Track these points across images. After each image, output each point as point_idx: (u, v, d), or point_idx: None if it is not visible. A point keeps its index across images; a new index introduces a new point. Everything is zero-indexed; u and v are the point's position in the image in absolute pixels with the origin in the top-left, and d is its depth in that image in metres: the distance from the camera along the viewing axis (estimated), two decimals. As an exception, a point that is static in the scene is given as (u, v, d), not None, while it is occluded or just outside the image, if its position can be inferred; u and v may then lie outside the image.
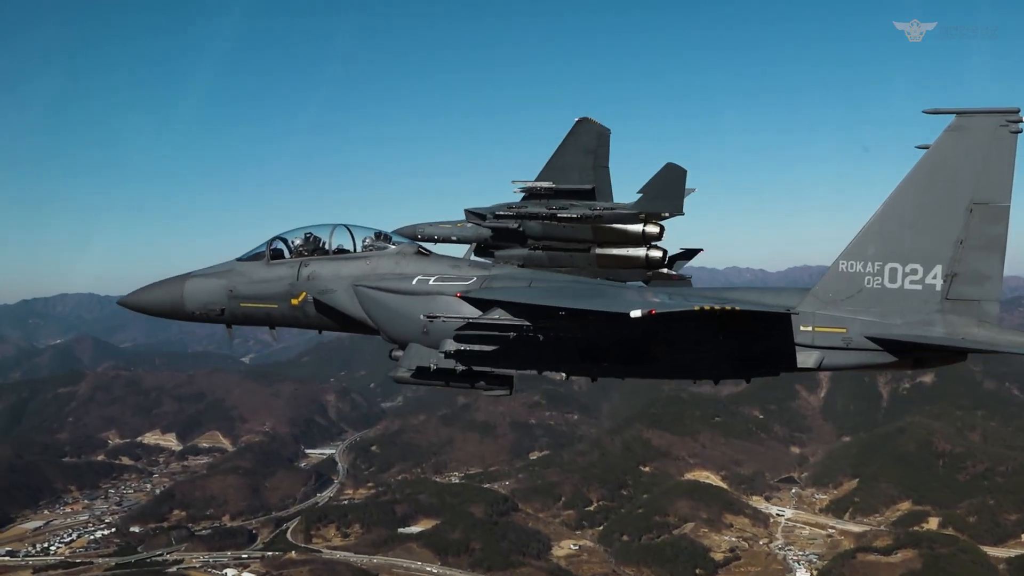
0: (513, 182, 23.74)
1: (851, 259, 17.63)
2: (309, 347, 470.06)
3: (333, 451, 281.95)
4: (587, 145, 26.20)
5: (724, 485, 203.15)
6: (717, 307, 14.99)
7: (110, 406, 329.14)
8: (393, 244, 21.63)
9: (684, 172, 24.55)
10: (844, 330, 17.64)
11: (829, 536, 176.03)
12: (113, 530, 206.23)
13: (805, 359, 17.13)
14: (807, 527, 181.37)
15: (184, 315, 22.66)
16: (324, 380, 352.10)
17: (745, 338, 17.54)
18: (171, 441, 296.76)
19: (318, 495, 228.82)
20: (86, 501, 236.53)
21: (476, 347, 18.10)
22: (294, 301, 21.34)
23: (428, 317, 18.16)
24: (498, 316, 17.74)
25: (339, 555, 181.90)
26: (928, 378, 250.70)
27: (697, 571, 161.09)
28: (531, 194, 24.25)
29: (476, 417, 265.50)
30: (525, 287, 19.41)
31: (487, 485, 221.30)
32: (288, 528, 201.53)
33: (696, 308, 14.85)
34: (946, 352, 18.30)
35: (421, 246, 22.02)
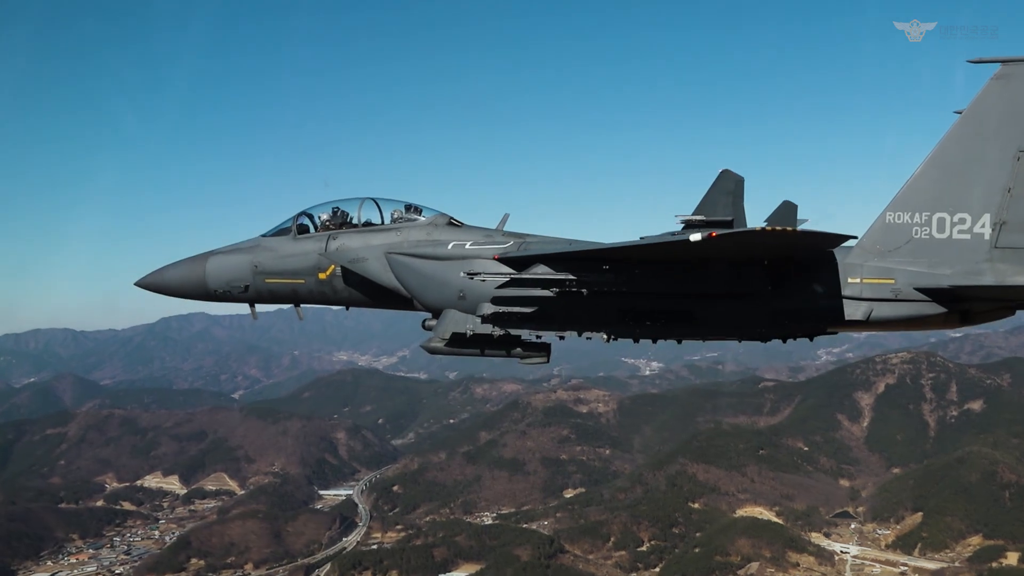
0: (676, 216, 25.15)
1: (898, 210, 17.73)
2: (308, 382, 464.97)
3: (350, 492, 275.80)
4: (727, 188, 31.81)
5: (780, 521, 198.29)
6: (778, 227, 14.91)
7: (104, 447, 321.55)
8: (423, 215, 21.51)
9: (796, 207, 30.84)
10: (892, 281, 17.87)
11: (902, 574, 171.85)
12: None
13: (853, 311, 17.18)
14: (877, 564, 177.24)
15: (206, 294, 22.10)
16: (327, 416, 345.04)
17: (793, 286, 17.77)
18: (174, 484, 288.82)
19: (344, 539, 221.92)
20: (91, 551, 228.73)
21: (515, 309, 18.13)
22: (322, 275, 21.22)
23: (468, 274, 18.10)
24: (541, 271, 17.52)
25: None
26: (976, 404, 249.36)
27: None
28: (688, 225, 25.93)
29: (503, 454, 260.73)
30: (566, 246, 19.26)
31: (525, 525, 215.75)
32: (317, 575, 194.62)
33: (758, 228, 14.84)
34: (994, 304, 18.45)
35: (452, 217, 21.66)
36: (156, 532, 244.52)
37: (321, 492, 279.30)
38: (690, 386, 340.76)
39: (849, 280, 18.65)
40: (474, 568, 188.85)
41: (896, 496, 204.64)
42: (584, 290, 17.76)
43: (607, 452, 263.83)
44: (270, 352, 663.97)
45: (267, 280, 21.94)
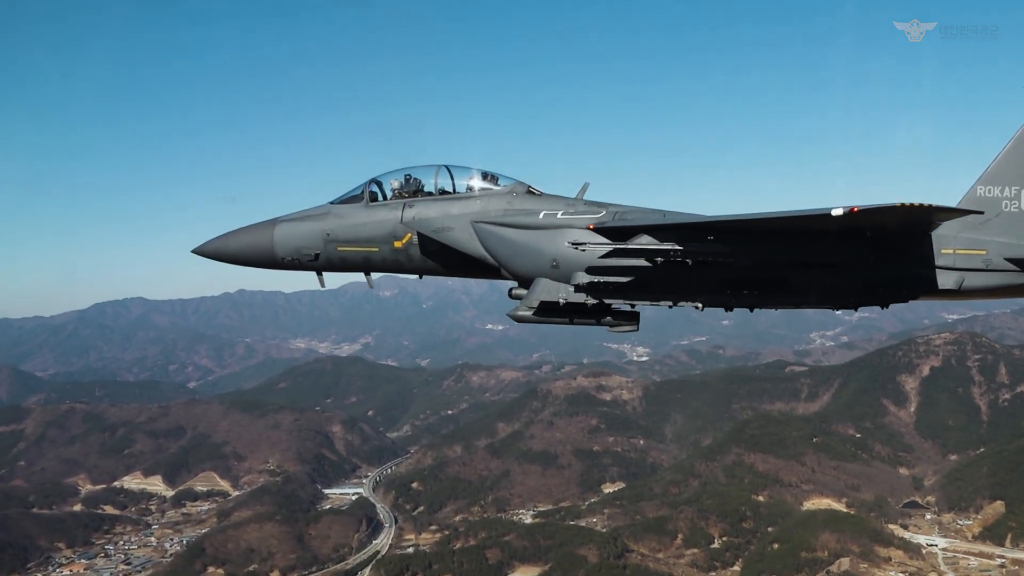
0: None
1: (989, 184, 18.74)
2: (280, 372, 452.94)
3: (358, 490, 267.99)
4: None
5: (852, 512, 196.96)
6: (918, 203, 15.53)
7: (69, 446, 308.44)
8: (500, 183, 21.93)
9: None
10: (984, 252, 18.91)
11: (1002, 566, 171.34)
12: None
13: (945, 281, 17.98)
14: (971, 557, 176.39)
15: (273, 262, 22.25)
16: (306, 409, 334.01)
17: (892, 256, 18.60)
18: (158, 485, 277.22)
19: (373, 542, 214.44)
20: (83, 561, 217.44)
21: (612, 279, 18.64)
22: (397, 244, 21.66)
23: (573, 244, 18.47)
24: (645, 242, 18.01)
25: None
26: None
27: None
28: None
29: (531, 446, 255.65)
30: (661, 217, 19.78)
31: (572, 522, 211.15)
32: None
33: (898, 204, 15.35)
34: None
35: (531, 186, 21.97)
36: (152, 539, 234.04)
37: (326, 491, 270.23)
38: (718, 372, 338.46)
39: (942, 251, 19.57)
40: (534, 571, 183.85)
41: (970, 484, 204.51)
42: (688, 260, 18.22)
43: (641, 442, 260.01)
44: (220, 340, 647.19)
45: (339, 248, 22.11)
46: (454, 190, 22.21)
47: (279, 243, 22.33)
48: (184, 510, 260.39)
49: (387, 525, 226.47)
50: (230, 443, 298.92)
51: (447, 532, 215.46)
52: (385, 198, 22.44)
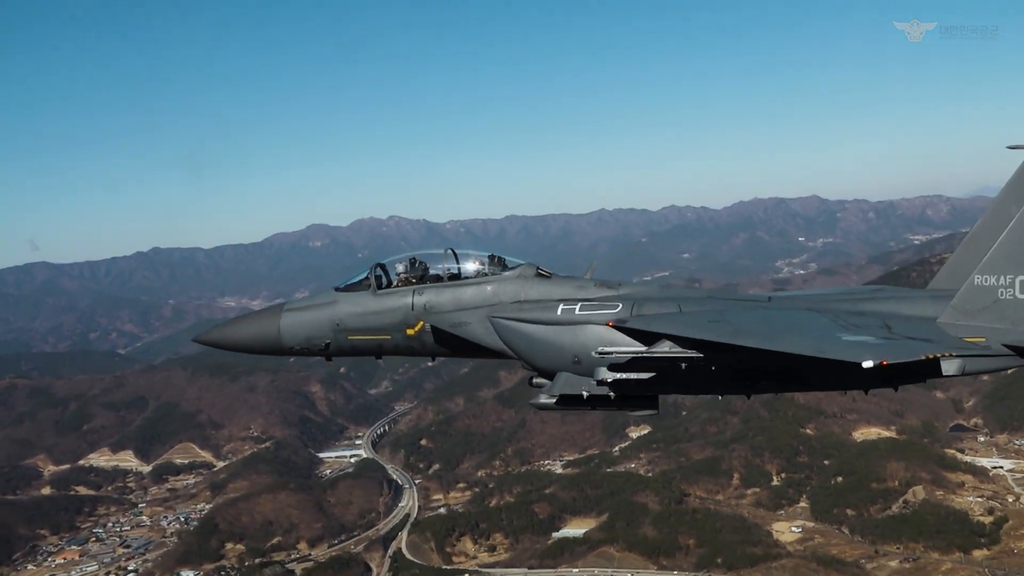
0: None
1: (986, 274, 20.47)
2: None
3: (357, 452, 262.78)
4: None
5: (904, 439, 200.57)
6: (945, 353, 17.10)
7: (18, 425, 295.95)
8: (509, 267, 22.78)
9: None
10: (983, 339, 20.05)
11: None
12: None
13: (949, 367, 19.02)
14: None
15: (280, 350, 22.99)
16: (279, 369, 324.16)
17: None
18: (130, 460, 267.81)
19: (399, 505, 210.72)
20: (75, 547, 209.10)
21: (634, 375, 19.57)
22: (410, 331, 22.29)
23: (600, 353, 19.56)
24: (667, 349, 19.03)
25: (513, 572, 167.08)
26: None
27: (981, 540, 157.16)
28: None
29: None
30: (676, 311, 21.07)
31: (610, 469, 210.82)
32: (401, 548, 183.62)
33: (923, 357, 16.58)
34: None
35: (540, 267, 22.78)
36: (143, 518, 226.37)
37: (321, 455, 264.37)
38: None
39: None
40: (590, 522, 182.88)
41: (1019, 403, 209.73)
42: (713, 366, 19.27)
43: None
44: (141, 303, 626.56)
45: (350, 337, 22.57)
46: (462, 275, 22.62)
47: (287, 332, 22.67)
48: (168, 485, 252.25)
49: (406, 486, 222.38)
50: (203, 411, 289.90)
51: (477, 489, 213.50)
52: (392, 284, 22.76)
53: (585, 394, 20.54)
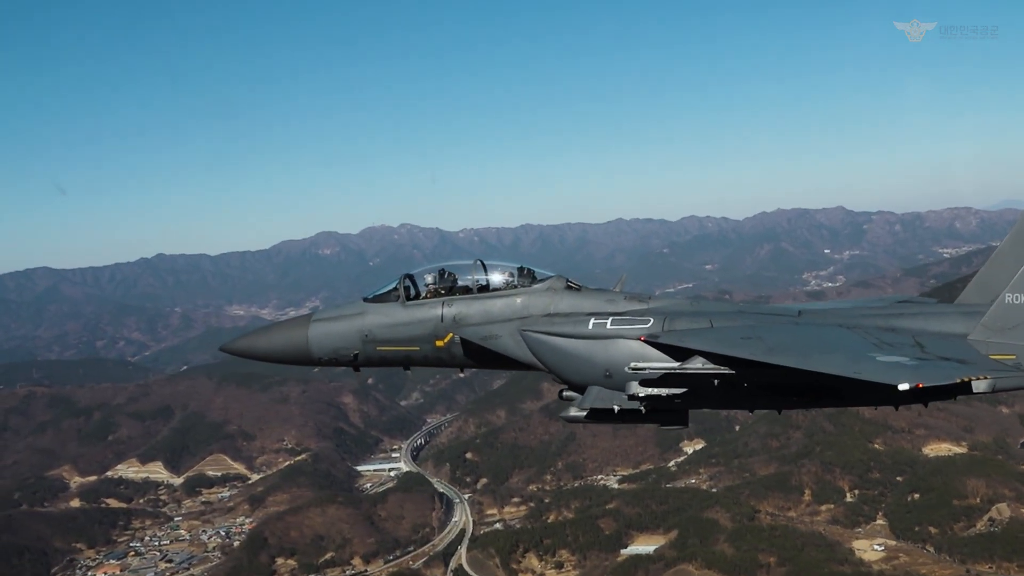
0: None
1: (1016, 292, 21.07)
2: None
3: (395, 465, 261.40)
4: None
5: (980, 455, 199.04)
6: (979, 376, 17.38)
7: (40, 435, 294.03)
8: (539, 279, 23.28)
9: None
10: (1014, 356, 20.77)
11: None
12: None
13: (979, 385, 18.66)
14: None
15: (308, 360, 23.60)
16: (311, 379, 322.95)
17: None
18: (160, 472, 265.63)
19: (452, 520, 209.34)
20: (113, 561, 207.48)
21: (666, 391, 20.02)
22: (439, 343, 22.77)
23: (633, 369, 20.07)
24: (700, 366, 19.45)
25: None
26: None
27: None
28: None
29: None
30: (708, 326, 21.48)
31: (669, 485, 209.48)
32: (462, 564, 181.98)
33: (959, 380, 17.03)
34: None
35: (569, 279, 23.29)
36: (181, 532, 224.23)
37: (359, 468, 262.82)
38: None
39: None
40: (658, 539, 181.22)
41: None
42: (745, 383, 19.72)
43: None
44: (147, 311, 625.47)
45: (379, 348, 23.13)
46: (491, 287, 23.05)
47: (315, 343, 23.09)
48: (202, 498, 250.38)
49: (456, 500, 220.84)
50: (232, 421, 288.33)
51: (532, 504, 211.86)
52: (420, 295, 23.22)
53: (616, 408, 21.02)
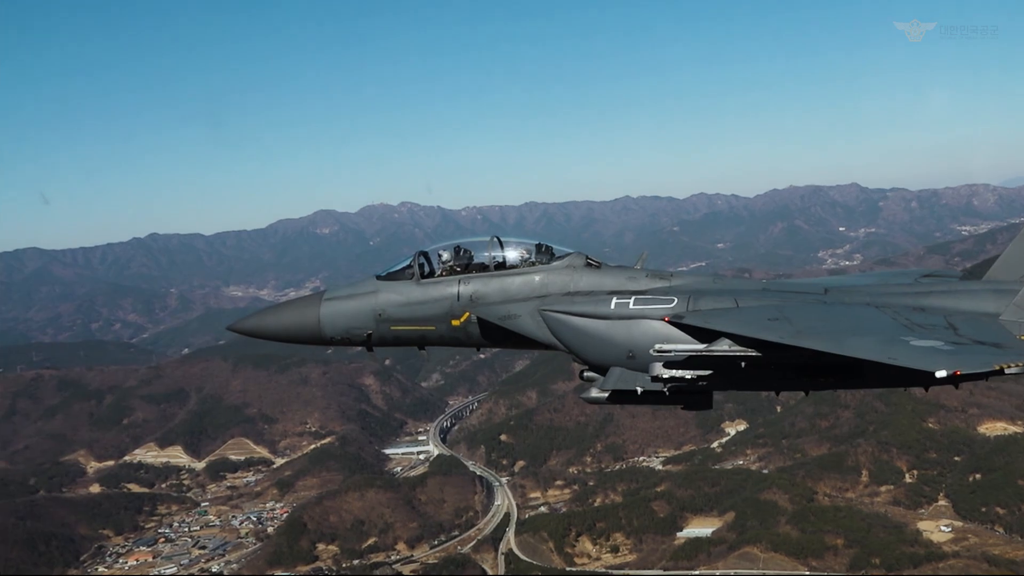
0: None
1: None
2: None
3: (424, 448, 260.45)
4: None
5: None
6: (1013, 364, 17.09)
7: (50, 419, 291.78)
8: (558, 256, 23.15)
9: None
10: None
11: None
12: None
13: (1012, 368, 18.12)
14: None
15: (320, 340, 23.24)
16: (331, 360, 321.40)
17: None
18: (181, 456, 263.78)
19: (495, 504, 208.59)
20: (143, 548, 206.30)
21: (691, 372, 19.85)
22: (455, 322, 22.64)
23: (657, 351, 19.77)
24: (727, 348, 19.34)
25: (648, 573, 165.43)
26: None
27: None
28: None
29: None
30: (733, 306, 21.39)
31: (716, 466, 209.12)
32: (512, 548, 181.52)
33: (997, 368, 16.90)
34: None
35: (589, 256, 23.12)
36: (211, 517, 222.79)
37: (386, 451, 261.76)
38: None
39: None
40: (713, 521, 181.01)
41: None
42: (773, 364, 19.64)
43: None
44: (143, 292, 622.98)
45: (393, 327, 22.85)
46: (509, 264, 22.92)
47: (327, 322, 22.82)
48: (227, 483, 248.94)
49: (496, 484, 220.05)
50: (251, 404, 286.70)
51: (576, 487, 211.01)
52: (435, 273, 22.92)
53: (639, 390, 20.96)
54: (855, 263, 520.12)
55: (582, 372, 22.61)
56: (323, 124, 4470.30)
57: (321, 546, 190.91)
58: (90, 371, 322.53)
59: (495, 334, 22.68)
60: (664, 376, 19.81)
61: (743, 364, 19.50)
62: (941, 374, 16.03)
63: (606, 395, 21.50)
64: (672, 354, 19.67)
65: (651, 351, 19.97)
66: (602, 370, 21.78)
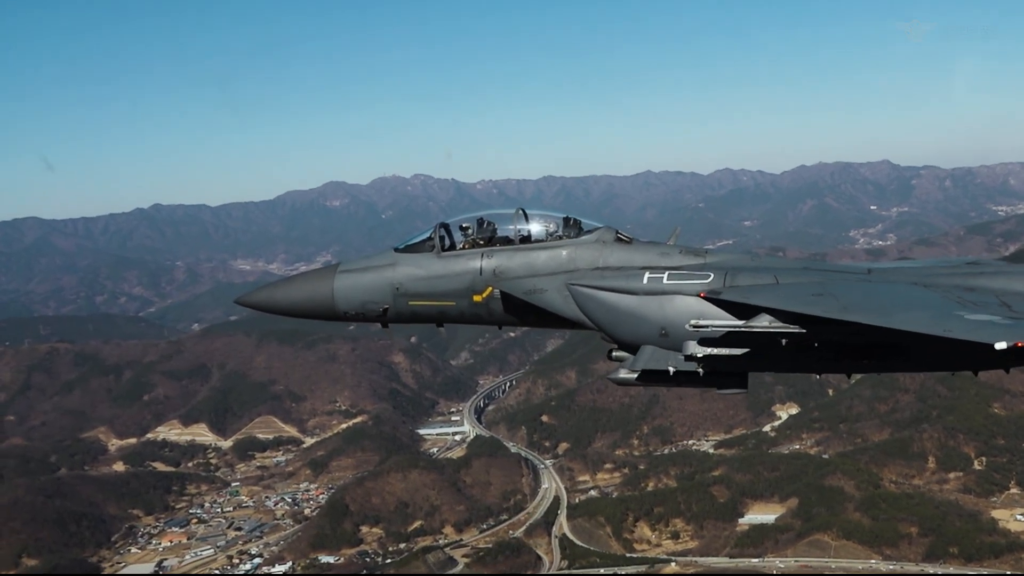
0: None
1: None
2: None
3: (459, 429, 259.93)
4: None
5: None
6: None
7: (68, 395, 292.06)
8: (586, 230, 22.41)
9: None
10: None
11: None
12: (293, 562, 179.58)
13: None
14: None
15: (334, 315, 22.17)
16: (359, 336, 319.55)
17: None
18: (206, 435, 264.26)
19: (543, 486, 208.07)
20: (176, 529, 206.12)
21: (727, 351, 19.33)
22: (477, 297, 21.78)
23: (694, 327, 19.15)
24: (767, 324, 18.64)
25: (713, 561, 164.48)
26: None
27: None
28: None
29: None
30: (773, 282, 20.74)
31: (772, 450, 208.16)
32: (565, 533, 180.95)
33: None
34: None
35: (619, 231, 22.39)
36: (244, 498, 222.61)
37: (420, 431, 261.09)
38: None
39: None
40: (775, 507, 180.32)
41: None
42: (815, 343, 18.87)
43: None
44: (147, 264, 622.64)
45: (411, 303, 22.07)
46: (534, 238, 22.24)
47: (341, 296, 22.09)
48: (256, 463, 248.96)
49: (541, 466, 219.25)
50: (277, 381, 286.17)
51: (626, 470, 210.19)
52: (457, 246, 22.21)
53: (672, 370, 20.31)
54: (889, 243, 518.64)
55: (611, 352, 21.95)
56: (332, 92, 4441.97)
57: (365, 528, 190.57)
58: (107, 345, 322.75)
59: (519, 310, 21.97)
60: (699, 355, 19.48)
61: (783, 342, 18.92)
62: (1001, 346, 15.23)
63: (636, 375, 20.72)
64: (709, 329, 19.22)
65: (687, 326, 19.45)
66: (632, 349, 21.17)
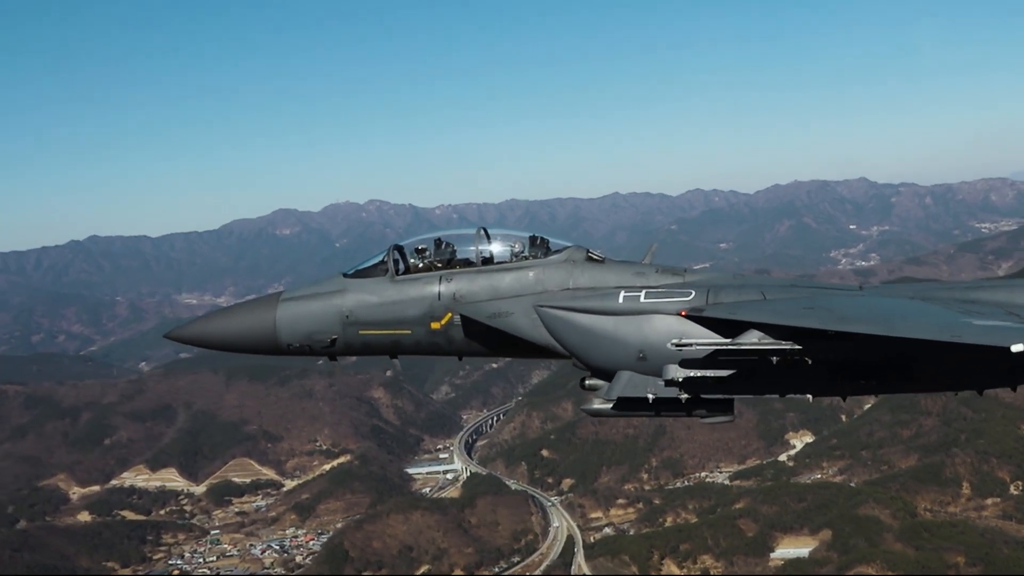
0: None
1: None
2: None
3: (450, 467, 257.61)
4: None
5: None
6: None
7: (20, 440, 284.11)
8: (554, 250, 22.10)
9: None
10: None
11: None
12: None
13: None
14: None
15: (276, 348, 21.85)
16: (323, 373, 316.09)
17: None
18: (176, 479, 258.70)
19: (554, 525, 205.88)
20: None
21: (712, 373, 18.99)
22: (435, 325, 21.55)
23: (677, 346, 18.49)
24: (757, 340, 18.13)
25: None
26: None
27: None
28: None
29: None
30: (760, 299, 20.48)
31: (795, 480, 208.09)
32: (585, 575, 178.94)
33: None
34: None
35: (590, 250, 22.15)
36: (227, 547, 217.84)
37: (409, 470, 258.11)
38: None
39: None
40: (807, 540, 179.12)
41: None
42: (808, 359, 18.61)
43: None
44: (87, 300, 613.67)
45: (362, 332, 21.66)
46: (498, 259, 21.85)
47: (284, 327, 21.58)
48: (235, 508, 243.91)
49: (548, 503, 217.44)
50: (249, 421, 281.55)
51: (641, 506, 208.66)
52: (412, 269, 21.83)
53: (651, 396, 19.84)
54: (873, 263, 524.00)
55: (583, 380, 21.31)
56: (281, 115, 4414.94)
57: (368, 574, 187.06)
58: (61, 386, 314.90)
59: (482, 337, 21.47)
60: (680, 378, 18.94)
61: (774, 360, 18.55)
62: (1017, 348, 15.05)
63: (611, 404, 20.24)
64: (693, 348, 18.56)
65: (668, 346, 18.81)
66: (608, 376, 20.50)
